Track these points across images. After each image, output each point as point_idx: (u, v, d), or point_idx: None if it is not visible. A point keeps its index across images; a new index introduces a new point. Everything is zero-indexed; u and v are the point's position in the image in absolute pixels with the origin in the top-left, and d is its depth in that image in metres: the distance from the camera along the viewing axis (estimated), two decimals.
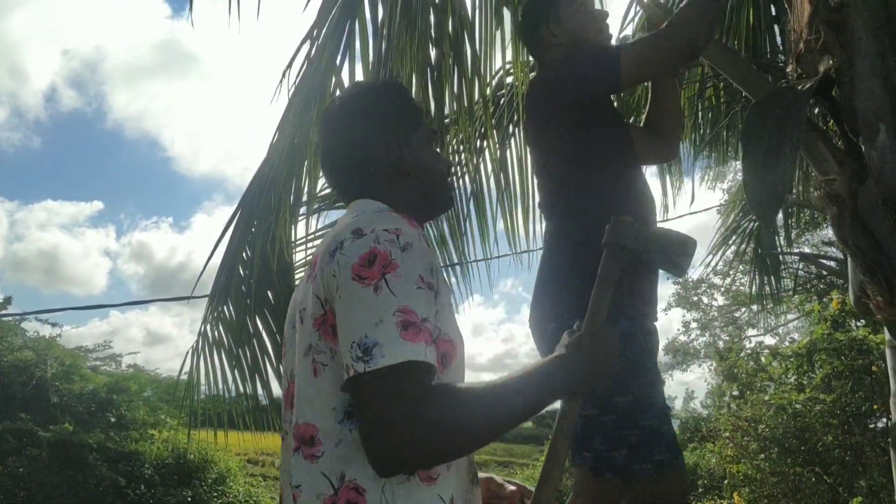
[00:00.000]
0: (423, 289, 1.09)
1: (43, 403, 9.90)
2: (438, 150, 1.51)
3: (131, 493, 10.00)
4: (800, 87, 1.97)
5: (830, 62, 1.95)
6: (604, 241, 1.44)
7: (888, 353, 1.85)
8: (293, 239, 3.61)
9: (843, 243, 1.91)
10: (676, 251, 1.41)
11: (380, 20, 2.82)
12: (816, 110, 2.49)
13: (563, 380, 1.20)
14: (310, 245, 4.40)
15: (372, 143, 1.33)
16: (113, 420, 10.50)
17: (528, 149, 4.29)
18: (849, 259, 1.92)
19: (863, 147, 1.81)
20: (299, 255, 4.30)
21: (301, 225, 3.99)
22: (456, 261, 4.56)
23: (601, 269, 1.40)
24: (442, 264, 4.50)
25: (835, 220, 1.88)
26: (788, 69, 2.20)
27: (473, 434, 1.09)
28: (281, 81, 3.11)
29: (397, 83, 1.47)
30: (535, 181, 2.01)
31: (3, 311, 10.45)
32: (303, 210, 3.72)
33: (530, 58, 3.28)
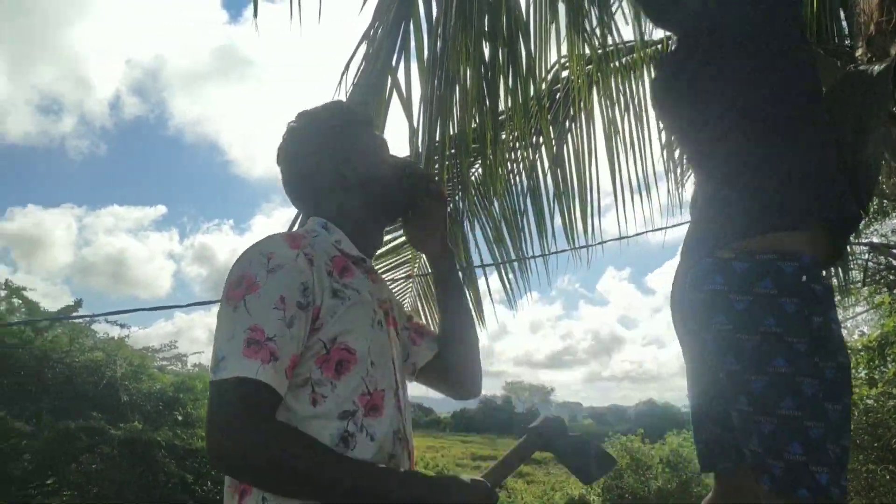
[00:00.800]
0: (281, 309, 1.21)
1: (113, 402, 10.21)
2: (389, 154, 1.57)
3: (198, 490, 10.24)
4: (875, 68, 1.89)
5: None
6: (530, 426, 1.62)
7: None
8: None
9: None
10: (594, 464, 1.55)
11: (434, 19, 2.83)
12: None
13: (423, 494, 1.22)
14: None
15: (313, 166, 1.48)
16: (179, 418, 10.77)
17: (585, 142, 4.26)
18: None
19: None
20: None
21: None
22: (513, 257, 4.54)
23: (520, 445, 1.58)
24: (481, 262, 4.51)
25: None
26: (858, 53, 2.12)
27: (282, 474, 1.13)
28: (340, 82, 3.15)
29: (337, 104, 1.57)
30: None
31: (75, 314, 10.80)
32: None
33: (586, 50, 3.26)
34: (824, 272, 1.59)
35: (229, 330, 1.20)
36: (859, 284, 8.72)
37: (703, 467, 1.69)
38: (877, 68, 1.82)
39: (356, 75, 3.11)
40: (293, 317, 1.22)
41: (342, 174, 1.47)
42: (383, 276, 4.72)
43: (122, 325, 11.31)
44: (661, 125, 4.05)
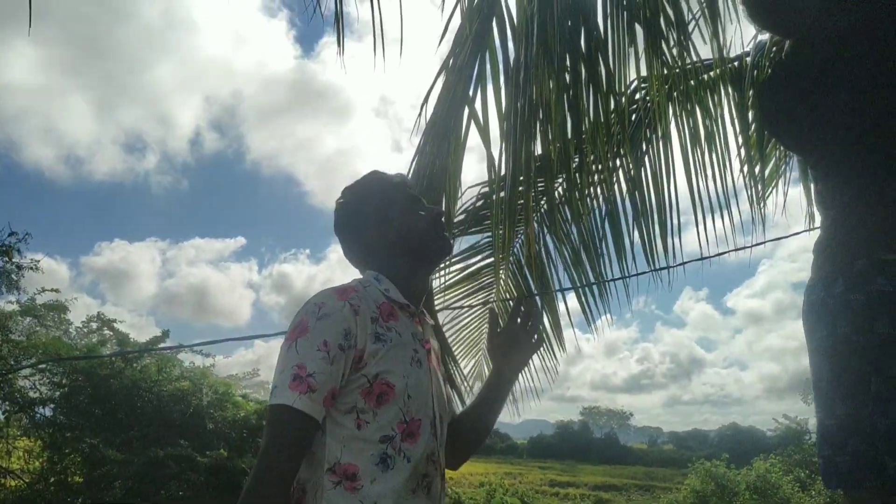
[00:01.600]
0: (324, 351, 1.50)
1: (200, 430, 10.48)
2: (422, 207, 1.83)
3: None
4: None
5: None
6: None
7: None
8: None
9: None
10: None
11: (510, 50, 2.88)
12: None
13: None
14: (447, 271, 4.49)
15: (361, 232, 1.79)
16: None
17: (663, 161, 4.23)
18: None
19: None
20: (438, 282, 4.39)
21: None
22: (592, 279, 4.51)
23: None
24: (559, 286, 4.49)
25: None
26: None
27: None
28: (420, 113, 3.22)
29: (373, 175, 1.86)
30: None
31: (163, 345, 11.17)
32: None
33: (664, 69, 3.25)
34: None
35: (282, 365, 1.52)
36: None
37: (841, 485, 1.56)
38: None
39: (433, 105, 3.18)
40: (335, 356, 1.51)
41: (384, 234, 1.76)
42: (460, 302, 4.78)
43: (206, 355, 11.64)
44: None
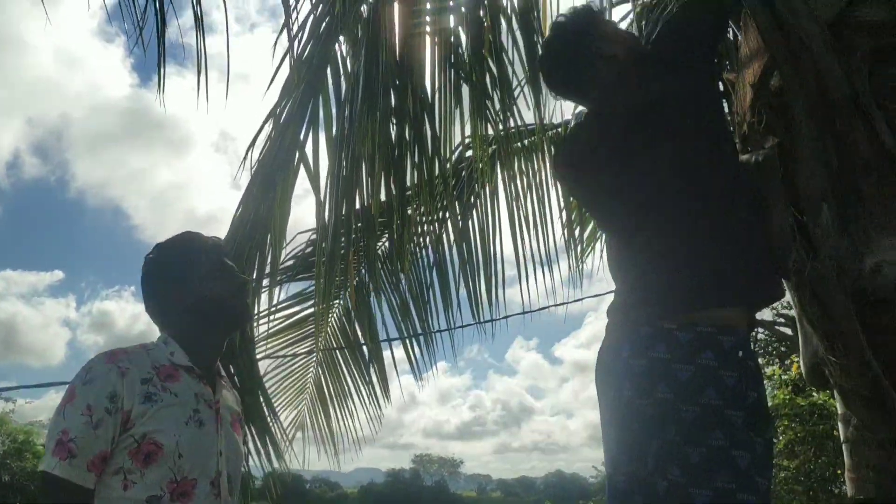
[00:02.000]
0: (87, 416, 1.54)
1: None
2: (227, 273, 1.85)
3: None
4: (756, 157, 2.03)
5: (772, 142, 2.04)
6: None
7: (840, 425, 1.89)
8: (256, 312, 3.59)
9: (800, 312, 1.96)
10: None
11: (342, 98, 2.90)
12: None
13: None
14: (272, 318, 4.39)
15: (161, 291, 1.82)
16: None
17: (490, 217, 4.38)
18: (800, 330, 1.97)
19: (809, 225, 1.88)
20: (263, 327, 4.28)
21: (264, 297, 3.99)
22: (420, 331, 4.56)
23: None
24: (387, 336, 4.52)
25: (794, 287, 1.92)
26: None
27: None
28: (245, 157, 3.17)
29: (186, 235, 1.88)
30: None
31: None
32: (265, 283, 3.71)
33: (489, 131, 3.38)
34: None
35: (51, 431, 1.58)
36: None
37: None
38: (757, 158, 1.97)
39: (262, 150, 3.14)
40: (99, 420, 1.55)
41: (182, 298, 1.78)
42: (284, 350, 4.68)
43: (6, 399, 10.67)
44: (572, 196, 4.14)
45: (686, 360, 1.55)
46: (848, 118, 1.77)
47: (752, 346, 1.63)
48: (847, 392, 1.80)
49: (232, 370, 3.87)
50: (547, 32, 3.17)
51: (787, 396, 6.32)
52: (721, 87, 2.24)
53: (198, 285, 1.78)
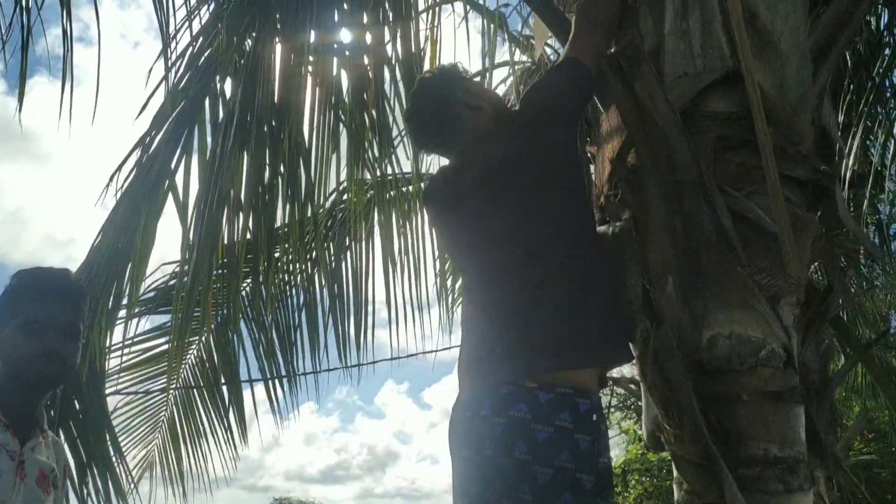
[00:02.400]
0: None
1: None
2: (36, 330, 1.77)
3: None
4: (612, 229, 2.14)
5: (628, 214, 2.16)
6: None
7: (675, 487, 1.98)
8: (108, 345, 3.43)
9: (642, 378, 2.05)
10: None
11: (219, 133, 2.85)
12: None
13: None
14: (127, 351, 4.20)
15: None
16: None
17: (364, 262, 4.39)
18: (643, 396, 2.07)
19: (654, 295, 1.99)
20: (114, 362, 4.08)
21: (118, 329, 3.83)
22: (283, 370, 4.47)
23: None
24: (270, 376, 4.43)
25: (638, 356, 2.02)
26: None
27: None
28: (110, 181, 3.04)
29: (16, 279, 1.81)
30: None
31: None
32: (121, 314, 3.55)
33: (367, 175, 3.40)
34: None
35: None
36: (612, 409, 9.43)
37: None
38: (614, 229, 2.07)
39: (128, 177, 3.03)
40: None
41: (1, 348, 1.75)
42: (138, 385, 4.47)
43: None
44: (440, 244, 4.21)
45: (545, 421, 1.58)
46: (694, 199, 1.89)
47: (603, 412, 1.69)
48: (679, 458, 1.89)
49: (77, 406, 3.67)
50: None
51: (640, 451, 6.58)
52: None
53: (6, 343, 1.75)
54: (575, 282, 1.78)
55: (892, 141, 4.24)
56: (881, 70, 4.15)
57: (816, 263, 2.79)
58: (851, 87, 4.11)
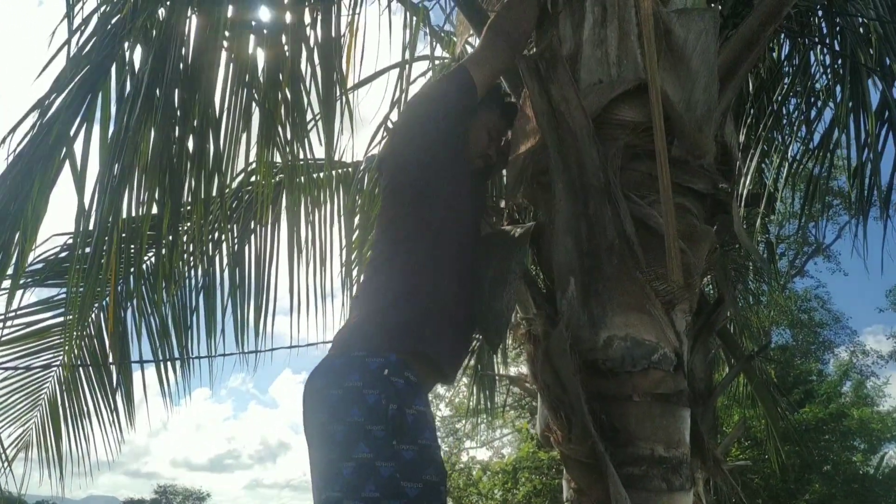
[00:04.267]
0: None
1: None
2: None
3: None
4: (518, 231, 2.19)
5: (538, 214, 2.20)
6: None
7: (564, 484, 2.04)
8: None
9: (534, 379, 2.10)
10: None
11: (125, 98, 2.73)
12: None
13: None
14: (11, 323, 3.99)
15: None
16: None
17: (268, 245, 4.30)
18: (538, 396, 2.11)
19: (557, 295, 2.03)
20: None
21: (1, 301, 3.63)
22: (177, 353, 4.34)
23: None
24: (162, 358, 4.29)
25: (529, 356, 2.07)
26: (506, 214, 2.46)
27: None
28: (1, 143, 2.88)
29: None
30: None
31: None
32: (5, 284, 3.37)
33: (277, 158, 3.34)
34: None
35: None
36: (506, 408, 9.58)
37: None
38: (515, 232, 2.11)
39: (22, 141, 2.88)
40: None
41: None
42: (18, 361, 4.25)
43: None
44: None
45: (336, 385, 1.70)
46: (599, 203, 1.94)
47: (404, 370, 1.72)
48: (567, 457, 1.95)
49: None
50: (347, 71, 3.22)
51: (531, 450, 6.71)
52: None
53: None
54: (402, 275, 1.89)
55: (786, 165, 4.47)
56: (779, 98, 4.37)
57: (708, 277, 2.92)
58: (752, 111, 4.31)
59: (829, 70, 4.05)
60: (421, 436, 1.68)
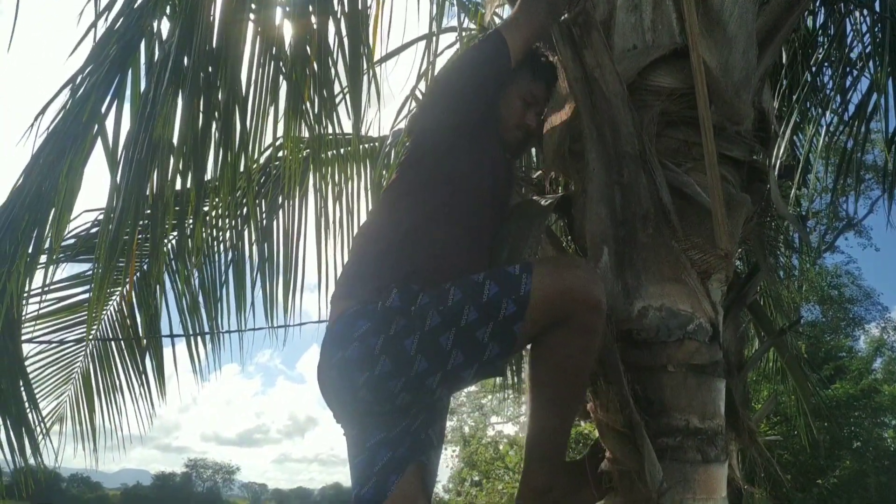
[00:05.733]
0: None
1: None
2: None
3: None
4: (543, 202, 2.18)
5: (571, 185, 2.17)
6: None
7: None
8: (27, 291, 3.29)
9: None
10: None
11: (153, 76, 2.74)
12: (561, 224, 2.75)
13: None
14: (46, 297, 4.04)
15: None
16: None
17: (296, 220, 4.31)
18: None
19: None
20: (32, 308, 3.92)
21: (38, 275, 3.68)
22: (207, 328, 4.37)
23: None
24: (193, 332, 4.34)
25: None
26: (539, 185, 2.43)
27: None
28: (32, 125, 2.91)
29: None
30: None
31: None
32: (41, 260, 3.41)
33: (304, 133, 3.33)
34: None
35: None
36: None
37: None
38: (545, 203, 2.09)
39: (55, 119, 2.89)
40: None
41: None
42: (53, 335, 4.31)
43: None
44: None
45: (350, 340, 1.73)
46: (634, 171, 1.91)
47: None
48: (603, 426, 1.93)
49: None
50: (374, 43, 3.20)
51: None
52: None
53: None
54: (412, 218, 1.88)
55: (819, 137, 4.39)
56: (814, 68, 4.28)
57: (740, 250, 2.88)
58: (785, 82, 4.23)
59: (867, 34, 3.95)
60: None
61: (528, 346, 1.81)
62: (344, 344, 1.71)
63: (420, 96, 4.15)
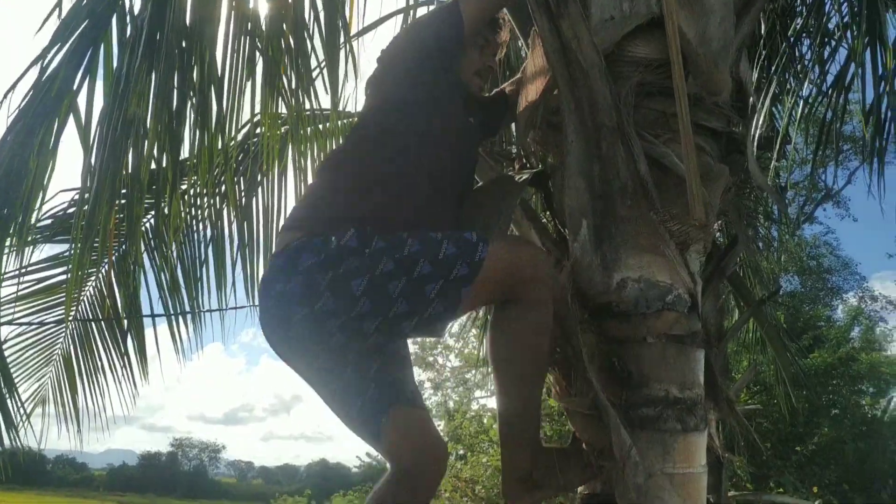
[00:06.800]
0: None
1: None
2: None
3: None
4: (518, 177, 2.17)
5: (549, 158, 2.17)
6: None
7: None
8: (2, 273, 3.25)
9: None
10: None
11: (125, 52, 2.69)
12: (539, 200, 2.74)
13: None
14: (24, 279, 4.00)
15: None
16: None
17: (276, 197, 4.28)
18: None
19: (568, 239, 2.01)
20: (10, 290, 3.88)
21: (13, 257, 3.63)
22: (188, 308, 4.35)
23: None
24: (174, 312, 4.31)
25: None
26: (516, 160, 2.42)
27: None
28: (1, 103, 2.85)
29: None
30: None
31: None
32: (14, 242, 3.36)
33: (282, 109, 3.30)
34: None
35: None
36: None
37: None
38: (520, 178, 2.09)
39: (25, 97, 2.84)
40: None
41: None
42: (31, 317, 4.28)
43: None
44: None
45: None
46: (612, 143, 1.91)
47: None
48: (570, 410, 1.95)
49: None
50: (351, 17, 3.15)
51: (542, 397, 6.75)
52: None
53: None
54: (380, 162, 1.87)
55: (797, 108, 4.40)
56: (792, 38, 4.28)
57: (718, 223, 2.89)
58: (763, 52, 4.23)
59: (844, 4, 3.95)
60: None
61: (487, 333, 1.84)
62: (285, 277, 1.69)
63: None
